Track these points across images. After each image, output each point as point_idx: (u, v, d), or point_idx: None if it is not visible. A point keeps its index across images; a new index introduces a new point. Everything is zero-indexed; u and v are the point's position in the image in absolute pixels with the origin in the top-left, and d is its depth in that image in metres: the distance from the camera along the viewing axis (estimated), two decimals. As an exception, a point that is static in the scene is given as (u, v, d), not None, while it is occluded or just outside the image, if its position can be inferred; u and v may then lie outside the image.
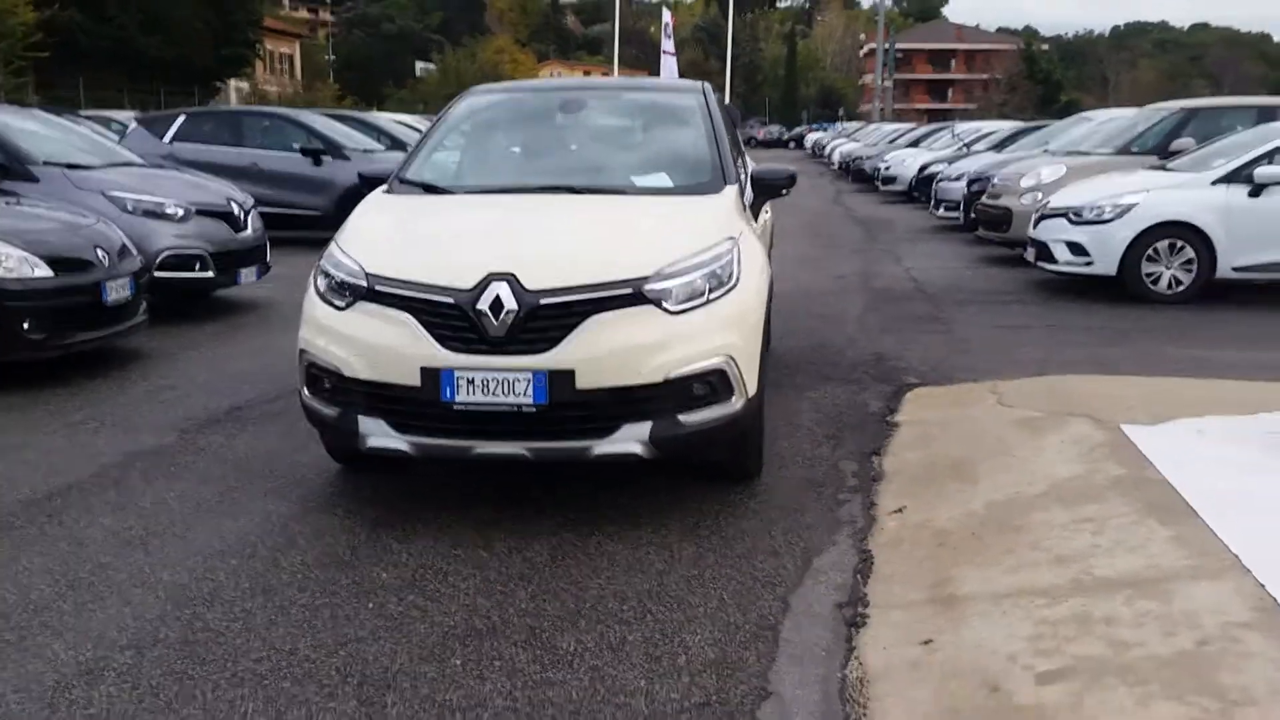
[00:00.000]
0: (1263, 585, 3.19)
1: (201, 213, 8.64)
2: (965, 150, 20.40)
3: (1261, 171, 9.21)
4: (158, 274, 8.00)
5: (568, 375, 3.95)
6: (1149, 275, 9.56)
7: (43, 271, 6.39)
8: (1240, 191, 9.31)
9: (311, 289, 4.46)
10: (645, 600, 3.63)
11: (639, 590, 3.71)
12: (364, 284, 4.18)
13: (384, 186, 5.15)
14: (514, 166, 5.43)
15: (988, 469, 4.74)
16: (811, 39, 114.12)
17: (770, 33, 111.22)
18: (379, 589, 3.72)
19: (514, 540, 4.12)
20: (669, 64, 40.59)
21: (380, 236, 4.55)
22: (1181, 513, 3.86)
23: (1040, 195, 11.63)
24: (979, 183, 14.21)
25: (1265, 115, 11.61)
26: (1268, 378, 6.31)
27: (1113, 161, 11.77)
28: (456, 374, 3.97)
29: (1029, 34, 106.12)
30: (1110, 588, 3.37)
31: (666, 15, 45.80)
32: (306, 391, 4.40)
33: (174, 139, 13.56)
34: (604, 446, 4.06)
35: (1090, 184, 10.38)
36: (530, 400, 3.96)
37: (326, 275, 4.37)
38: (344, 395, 4.21)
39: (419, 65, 76.15)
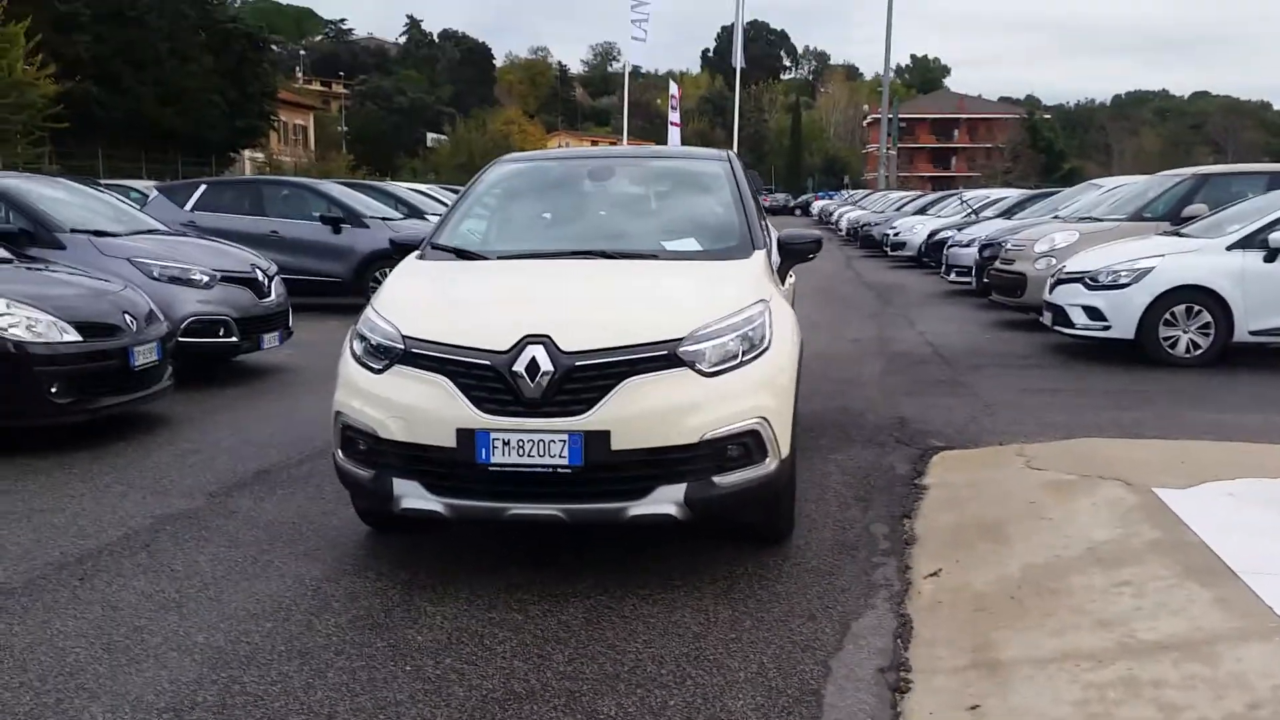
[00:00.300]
0: (1312, 648, 3.17)
1: (226, 279, 8.73)
2: (974, 217, 20.56)
3: (1276, 236, 9.26)
4: (183, 339, 8.06)
5: (603, 436, 3.96)
6: (1166, 339, 9.58)
7: (71, 336, 6.44)
8: (1256, 256, 9.37)
9: (347, 352, 4.49)
10: (684, 664, 3.60)
11: (676, 654, 3.68)
12: (400, 347, 4.21)
13: (417, 253, 5.21)
14: (545, 232, 5.49)
15: (1021, 532, 4.72)
16: (815, 109, 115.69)
17: (774, 104, 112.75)
18: (415, 652, 3.69)
19: (548, 603, 4.10)
20: (675, 135, 41.20)
21: (416, 300, 4.60)
22: (1222, 575, 3.83)
23: (1054, 260, 11.71)
24: (991, 248, 14.30)
25: (1276, 182, 11.69)
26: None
27: (1126, 227, 11.84)
28: (492, 435, 3.98)
29: (1031, 103, 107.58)
30: (1156, 651, 3.34)
31: (673, 88, 46.62)
32: (341, 454, 4.41)
33: (195, 207, 13.72)
34: (639, 508, 4.06)
35: (1106, 249, 10.44)
36: (566, 461, 3.97)
37: (363, 339, 4.41)
38: (379, 457, 4.22)
39: (430, 136, 77.18)
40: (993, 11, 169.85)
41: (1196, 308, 9.51)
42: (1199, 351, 9.53)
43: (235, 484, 5.77)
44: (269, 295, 9.13)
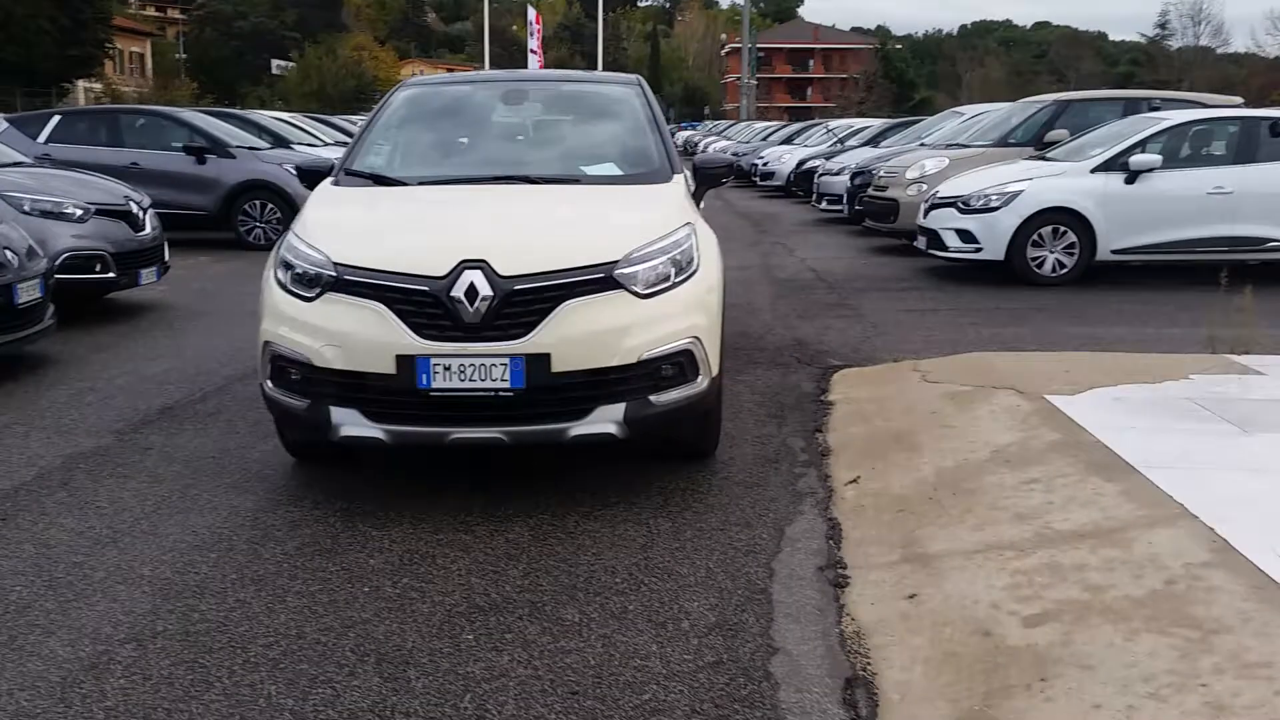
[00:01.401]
0: (1212, 529, 3.50)
1: (101, 212, 8.38)
2: (840, 146, 21.01)
3: (1136, 160, 9.83)
4: (59, 276, 7.71)
5: (544, 359, 4.03)
6: (1034, 260, 10.09)
7: (-51, 273, 6.13)
8: (1117, 179, 9.91)
9: (272, 280, 4.42)
10: (635, 572, 3.75)
11: (627, 564, 3.82)
12: (332, 274, 4.17)
13: (330, 179, 5.12)
14: (463, 157, 5.46)
15: (929, 439, 5.00)
16: (673, 38, 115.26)
17: (633, 32, 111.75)
18: (370, 574, 3.74)
19: (492, 524, 4.18)
20: (534, 63, 40.67)
21: (343, 227, 4.55)
22: (1122, 470, 4.16)
23: (925, 186, 12.14)
24: (862, 176, 14.68)
25: (1131, 108, 12.37)
26: (1160, 350, 6.78)
27: (992, 153, 12.35)
28: (432, 361, 4.01)
29: (882, 33, 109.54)
30: (1073, 539, 3.63)
31: (532, 14, 45.85)
32: (271, 384, 4.36)
33: (48, 139, 13.00)
34: (580, 428, 4.15)
35: (976, 174, 10.88)
36: (508, 385, 4.03)
37: (288, 266, 4.34)
38: (314, 386, 4.20)
39: (275, 63, 74.10)
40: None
41: (1062, 229, 10.03)
42: (1064, 271, 10.08)
43: (140, 421, 5.63)
44: (144, 229, 8.80)
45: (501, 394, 4.04)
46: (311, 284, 4.23)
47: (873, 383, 6.31)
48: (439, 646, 3.22)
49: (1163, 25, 66.15)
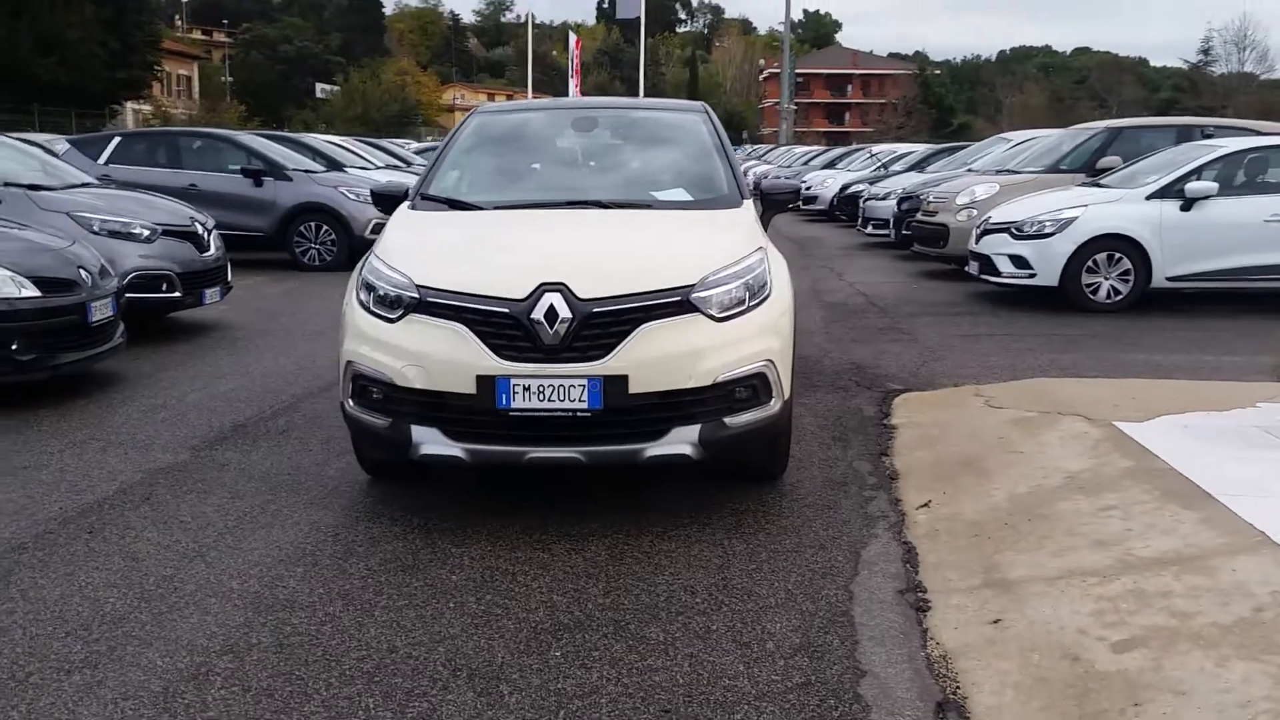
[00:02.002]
0: (1299, 557, 3.49)
1: (167, 233, 8.55)
2: (884, 171, 21.02)
3: (1192, 187, 9.79)
4: (127, 295, 7.88)
5: (621, 381, 4.09)
6: (1089, 286, 10.05)
7: (29, 291, 6.29)
8: (1173, 206, 9.88)
9: (354, 301, 4.51)
10: (715, 593, 3.78)
11: (705, 584, 3.86)
12: (415, 296, 4.25)
13: (407, 203, 5.22)
14: (537, 182, 5.55)
15: (998, 464, 5.00)
16: (711, 63, 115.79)
17: (671, 57, 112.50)
18: (453, 590, 3.80)
19: (569, 542, 4.23)
20: (574, 88, 41.06)
21: (424, 250, 4.63)
22: (1199, 498, 4.15)
23: (975, 212, 12.14)
24: (910, 201, 14.70)
25: (1184, 135, 12.31)
26: (1223, 377, 6.76)
27: (1043, 179, 12.31)
28: (512, 381, 4.08)
29: (920, 59, 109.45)
30: (1156, 566, 3.63)
31: (572, 39, 46.31)
32: (352, 402, 4.44)
33: (109, 161, 13.28)
34: (656, 449, 4.20)
35: (1029, 200, 10.87)
36: (585, 405, 4.08)
37: (370, 288, 4.43)
38: (395, 405, 4.28)
39: (319, 87, 75.20)
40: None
41: (1117, 255, 9.99)
42: (1119, 297, 10.04)
43: (215, 438, 5.74)
44: (209, 249, 8.96)
45: (579, 414, 4.10)
46: (394, 305, 4.31)
47: (935, 407, 6.31)
48: (528, 663, 3.27)
49: (1206, 51, 65.58)
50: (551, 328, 4.07)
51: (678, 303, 4.20)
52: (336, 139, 19.74)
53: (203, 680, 3.16)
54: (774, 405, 4.40)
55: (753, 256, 4.55)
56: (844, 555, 4.13)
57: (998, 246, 10.49)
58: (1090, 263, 10.02)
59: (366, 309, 4.42)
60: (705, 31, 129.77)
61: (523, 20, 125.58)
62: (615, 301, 4.13)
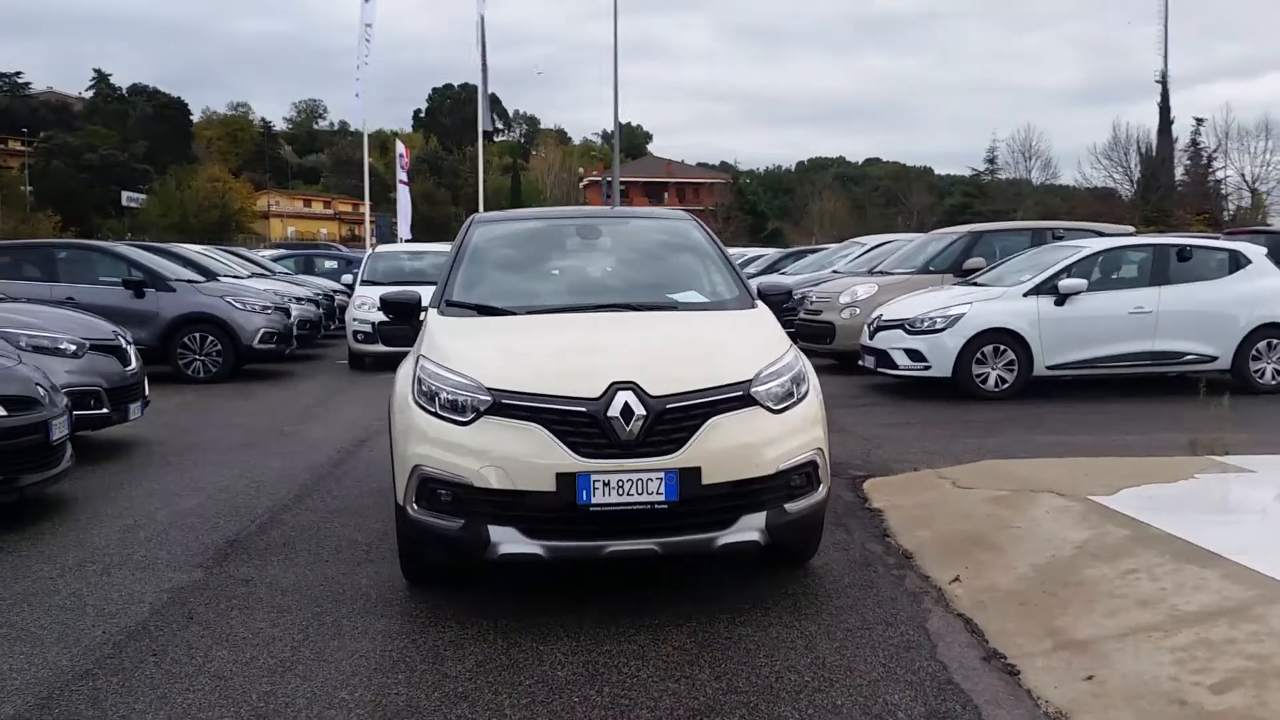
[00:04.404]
0: (1333, 601, 3.96)
1: (95, 347, 8.25)
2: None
3: (1065, 284, 10.76)
4: (60, 412, 7.55)
5: (695, 472, 4.29)
6: (978, 376, 10.84)
7: (-3, 411, 6.00)
8: (1048, 301, 10.82)
9: (413, 406, 4.56)
10: (818, 670, 3.98)
11: (802, 664, 4.05)
12: (486, 399, 4.36)
13: (435, 310, 5.31)
14: (560, 287, 5.72)
15: (1004, 540, 5.40)
16: (530, 171, 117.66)
17: (490, 166, 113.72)
18: (568, 685, 3.86)
19: (649, 634, 4.35)
20: (403, 193, 41.20)
21: (481, 354, 4.71)
22: (1209, 558, 4.62)
23: (858, 310, 12.93)
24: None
25: (1038, 238, 13.51)
26: (1139, 454, 7.42)
27: (915, 280, 13.24)
28: (592, 477, 4.23)
29: (726, 168, 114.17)
30: (1206, 618, 4.04)
31: (400, 147, 46.56)
32: (415, 507, 4.47)
33: (-25, 274, 12.61)
34: (727, 537, 4.41)
35: (917, 298, 11.66)
36: (662, 497, 4.26)
37: (434, 393, 4.50)
38: (470, 506, 4.34)
39: (125, 195, 72.66)
40: (685, 82, 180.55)
41: (1002, 347, 10.83)
42: (1005, 386, 10.85)
43: (215, 555, 5.58)
44: (131, 363, 8.68)
45: (657, 506, 4.27)
46: (464, 409, 4.40)
47: (906, 491, 6.71)
48: (690, 747, 3.39)
49: (991, 160, 70.98)
50: (628, 425, 4.25)
51: (740, 397, 4.46)
52: (197, 248, 19.25)
53: (377, 788, 3.14)
54: (822, 491, 4.70)
55: (791, 353, 4.87)
56: (912, 629, 4.40)
57: (893, 341, 11.19)
58: (979, 354, 10.81)
59: (431, 413, 4.49)
60: (522, 141, 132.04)
61: (336, 128, 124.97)
62: (685, 398, 4.36)
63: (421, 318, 5.44)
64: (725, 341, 4.95)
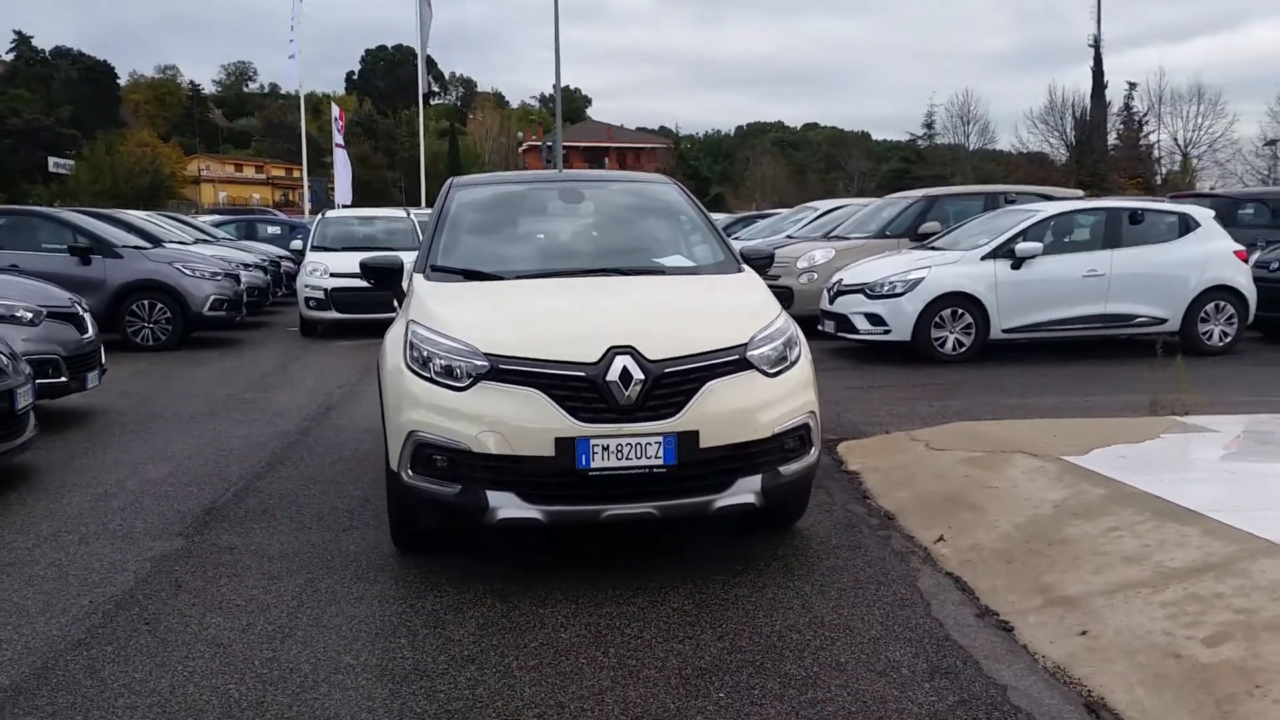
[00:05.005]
0: (1312, 555, 4.10)
1: (52, 315, 8.05)
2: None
3: (1021, 247, 10.92)
4: (18, 380, 7.36)
5: (693, 436, 4.31)
6: (937, 339, 10.98)
7: (-43, 379, 5.85)
8: (1005, 265, 10.97)
9: (406, 372, 4.52)
10: (819, 629, 4.04)
11: (802, 623, 4.10)
12: (483, 364, 4.33)
13: (420, 275, 5.25)
14: (546, 252, 5.68)
15: (984, 499, 5.49)
16: (468, 135, 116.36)
17: (428, 129, 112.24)
18: (574, 647, 3.88)
19: (648, 595, 4.39)
20: (341, 157, 40.62)
21: (475, 319, 4.67)
22: (1187, 515, 4.75)
23: (815, 275, 13.02)
24: (740, 266, 15.42)
25: (991, 202, 13.68)
26: (1100, 414, 7.58)
27: (872, 244, 13.35)
28: (591, 442, 4.23)
29: (666, 133, 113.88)
30: (1192, 574, 4.16)
31: (336, 110, 45.86)
32: (411, 472, 4.44)
33: (-87, 241, 12.22)
34: (724, 500, 4.44)
35: (874, 263, 11.77)
36: (661, 461, 4.28)
37: (427, 358, 4.46)
38: (467, 471, 4.32)
39: (52, 161, 70.61)
40: (624, 45, 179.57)
41: (960, 311, 10.97)
42: (963, 349, 11.01)
43: (194, 523, 5.50)
44: (88, 331, 8.48)
45: (655, 470, 4.29)
46: (460, 374, 4.37)
47: (881, 453, 6.80)
48: (703, 705, 3.42)
49: (929, 125, 71.45)
50: (626, 389, 4.25)
51: (735, 361, 4.47)
52: (142, 214, 18.80)
53: (397, 753, 3.14)
54: (813, 454, 4.75)
55: (782, 317, 4.89)
56: (904, 588, 4.47)
57: (853, 306, 11.29)
58: (937, 319, 10.96)
59: (425, 378, 4.45)
60: (458, 104, 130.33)
61: (267, 91, 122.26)
62: (683, 362, 4.36)
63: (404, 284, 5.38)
64: (718, 305, 4.97)
